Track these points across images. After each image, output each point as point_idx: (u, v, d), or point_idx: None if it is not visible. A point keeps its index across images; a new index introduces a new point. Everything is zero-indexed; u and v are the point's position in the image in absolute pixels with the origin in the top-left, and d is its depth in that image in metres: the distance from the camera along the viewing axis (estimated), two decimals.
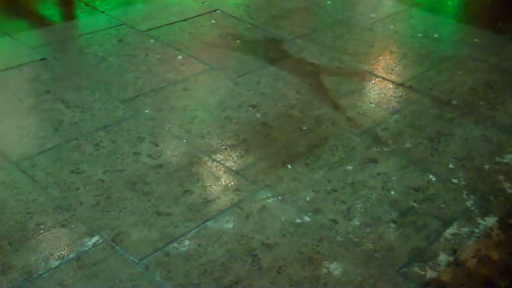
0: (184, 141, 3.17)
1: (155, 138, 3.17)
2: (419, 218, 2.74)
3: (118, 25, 4.42)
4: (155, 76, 3.77)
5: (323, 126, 3.36)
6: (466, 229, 2.69)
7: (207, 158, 3.05)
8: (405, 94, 3.74)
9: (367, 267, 2.45)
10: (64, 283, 2.29)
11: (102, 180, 2.84)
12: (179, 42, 4.22)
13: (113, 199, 2.73)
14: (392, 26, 4.72)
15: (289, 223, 2.65)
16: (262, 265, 2.43)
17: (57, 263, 2.38)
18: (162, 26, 4.45)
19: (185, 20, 4.58)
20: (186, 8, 4.79)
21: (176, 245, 2.50)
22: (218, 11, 4.76)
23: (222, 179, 2.90)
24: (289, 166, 3.02)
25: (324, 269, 2.43)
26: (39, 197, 2.72)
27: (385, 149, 3.20)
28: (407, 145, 3.25)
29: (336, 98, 3.64)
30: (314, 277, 2.39)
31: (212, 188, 2.84)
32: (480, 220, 2.75)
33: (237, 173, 2.95)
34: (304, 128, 3.34)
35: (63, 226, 2.56)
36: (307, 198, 2.81)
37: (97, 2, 4.77)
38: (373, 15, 4.90)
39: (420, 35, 4.59)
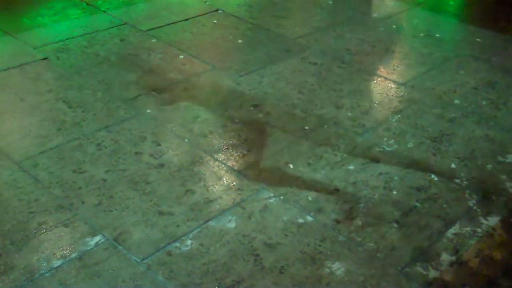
0: (186, 140, 3.17)
1: (157, 137, 3.17)
2: (422, 218, 2.73)
3: (120, 25, 4.42)
4: (157, 75, 3.77)
5: (325, 126, 3.36)
6: (468, 228, 2.69)
7: (209, 157, 3.05)
8: (407, 94, 3.73)
9: (370, 267, 2.45)
10: (66, 282, 2.29)
11: (104, 180, 2.84)
12: (181, 42, 4.22)
13: (115, 199, 2.73)
14: (394, 26, 4.71)
15: (291, 223, 2.65)
16: (264, 265, 2.43)
17: (59, 262, 2.38)
18: (164, 26, 4.44)
19: (187, 19, 4.58)
20: (188, 7, 4.79)
21: (178, 244, 2.50)
22: (220, 11, 4.76)
23: (224, 179, 2.90)
24: (291, 166, 3.02)
25: (326, 269, 2.42)
26: (41, 196, 2.72)
27: (387, 149, 3.19)
28: (410, 145, 3.24)
29: (338, 98, 3.64)
30: (317, 277, 2.38)
31: (214, 187, 2.84)
32: (482, 220, 2.74)
33: (239, 172, 2.95)
34: (306, 127, 3.34)
35: (65, 225, 2.56)
36: (309, 198, 2.81)
37: (99, 2, 4.77)
38: (375, 15, 4.90)
39: (422, 34, 4.58)
